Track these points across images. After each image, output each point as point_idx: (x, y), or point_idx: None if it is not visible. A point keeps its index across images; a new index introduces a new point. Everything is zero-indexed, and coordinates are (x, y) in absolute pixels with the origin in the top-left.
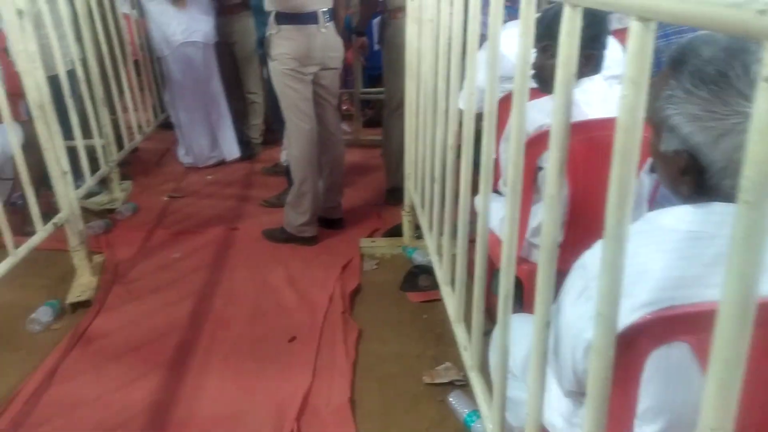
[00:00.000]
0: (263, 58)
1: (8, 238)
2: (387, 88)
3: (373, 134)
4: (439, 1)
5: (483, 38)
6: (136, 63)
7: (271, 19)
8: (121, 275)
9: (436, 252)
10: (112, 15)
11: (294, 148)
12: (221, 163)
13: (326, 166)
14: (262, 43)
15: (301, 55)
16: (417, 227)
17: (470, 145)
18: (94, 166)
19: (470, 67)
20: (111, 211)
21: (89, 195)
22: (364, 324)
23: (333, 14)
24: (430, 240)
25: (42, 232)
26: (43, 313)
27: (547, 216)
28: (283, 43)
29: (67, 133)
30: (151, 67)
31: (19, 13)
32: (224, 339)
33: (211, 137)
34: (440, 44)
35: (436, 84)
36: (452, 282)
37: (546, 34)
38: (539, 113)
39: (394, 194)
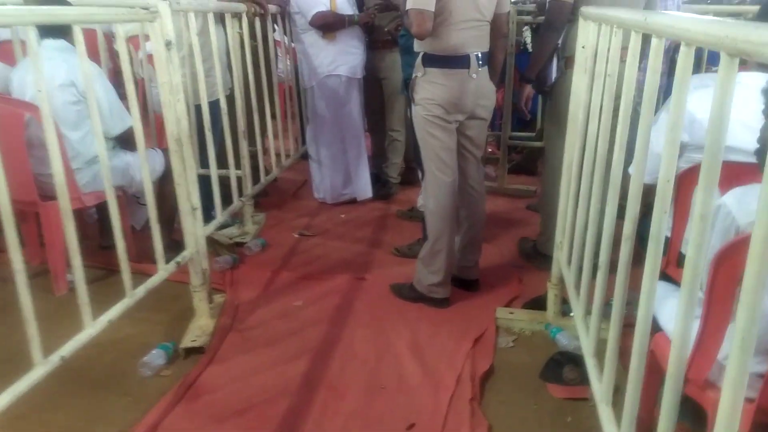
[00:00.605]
0: (408, 98)
1: (126, 278)
2: (550, 142)
3: (518, 183)
4: (614, 51)
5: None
6: (283, 92)
7: (419, 60)
8: (239, 320)
9: (592, 354)
10: (264, 46)
11: (431, 201)
12: (354, 202)
13: (465, 221)
14: (407, 85)
15: (448, 102)
16: (564, 300)
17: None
18: (229, 197)
19: (644, 129)
20: (240, 244)
21: (221, 226)
22: (494, 418)
23: (489, 58)
24: (582, 328)
25: (163, 271)
26: (156, 357)
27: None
28: (429, 87)
29: (204, 162)
30: (296, 97)
31: (168, 44)
32: (337, 411)
33: (345, 174)
34: (620, 102)
35: (608, 148)
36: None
37: None
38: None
39: (543, 258)
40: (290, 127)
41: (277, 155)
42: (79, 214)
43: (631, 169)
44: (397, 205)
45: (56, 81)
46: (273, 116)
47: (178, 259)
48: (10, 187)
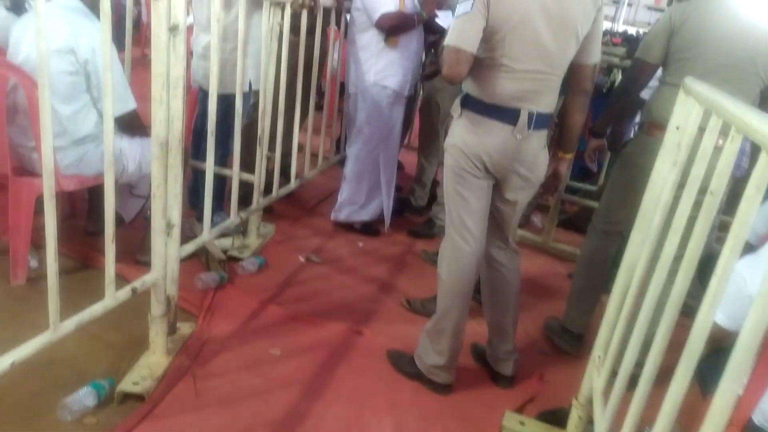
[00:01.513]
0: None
1: (109, 276)
2: (606, 208)
3: (567, 241)
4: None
5: None
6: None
7: (458, 99)
8: (199, 363)
9: None
10: (308, 43)
11: (444, 269)
12: (376, 232)
13: (489, 300)
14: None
15: (480, 156)
16: (590, 420)
17: None
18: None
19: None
20: (235, 259)
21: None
22: None
23: (562, 119)
24: None
25: (110, 299)
26: (84, 397)
27: None
28: (462, 134)
29: (222, 159)
30: (339, 100)
31: (173, 29)
32: None
33: (368, 194)
34: None
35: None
36: None
37: None
38: None
39: (570, 337)
40: (324, 127)
41: (313, 155)
42: (68, 194)
43: (718, 318)
44: (425, 243)
45: (53, 45)
46: (319, 108)
47: (136, 284)
48: None
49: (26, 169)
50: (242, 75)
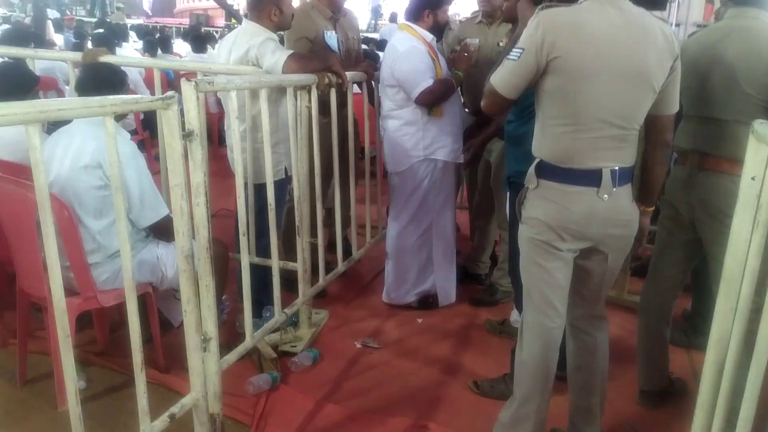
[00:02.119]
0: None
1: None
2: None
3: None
4: None
5: None
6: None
7: (532, 168)
8: None
9: None
10: (341, 122)
11: (524, 350)
12: (433, 305)
13: (575, 379)
14: (510, 183)
15: (565, 226)
16: None
17: None
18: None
19: None
20: (289, 354)
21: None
22: None
23: (643, 173)
24: None
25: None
26: None
27: None
28: (542, 204)
29: (263, 251)
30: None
31: (189, 136)
32: None
33: (420, 270)
34: None
35: None
36: None
37: None
38: None
39: (647, 398)
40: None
41: (359, 233)
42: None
43: None
44: (488, 312)
45: (82, 160)
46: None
47: (174, 409)
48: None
49: (66, 290)
50: (271, 164)
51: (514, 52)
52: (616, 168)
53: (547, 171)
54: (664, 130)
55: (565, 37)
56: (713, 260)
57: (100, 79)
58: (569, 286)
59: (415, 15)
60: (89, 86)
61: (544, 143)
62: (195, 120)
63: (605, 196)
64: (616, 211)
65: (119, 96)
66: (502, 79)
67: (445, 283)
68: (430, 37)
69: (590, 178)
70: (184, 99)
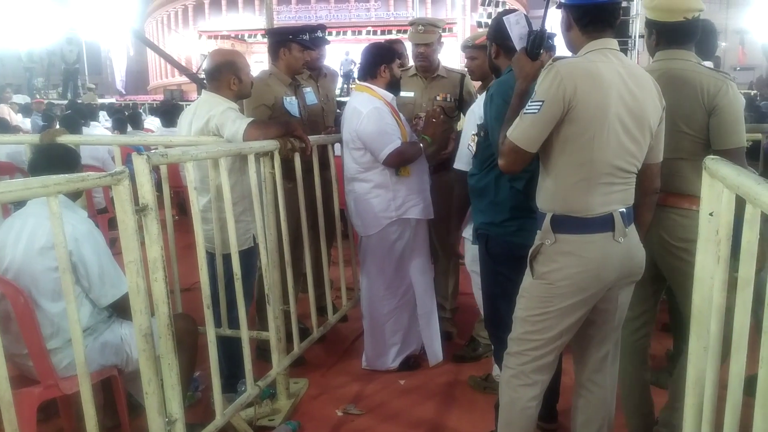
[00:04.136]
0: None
1: None
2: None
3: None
4: None
5: None
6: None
7: (546, 224)
8: None
9: None
10: (307, 184)
11: (502, 421)
12: (414, 365)
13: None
14: (479, 236)
15: (585, 278)
16: None
17: None
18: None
19: None
20: (267, 428)
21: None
22: None
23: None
24: None
25: None
26: None
27: None
28: (562, 260)
29: (235, 323)
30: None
31: (143, 210)
32: None
33: (404, 333)
34: None
35: None
36: None
37: None
38: None
39: None
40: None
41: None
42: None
43: None
44: (471, 367)
45: (36, 243)
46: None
47: None
48: None
49: (26, 378)
50: (235, 234)
51: (533, 105)
52: (624, 209)
53: (563, 224)
54: (654, 178)
55: (583, 86)
56: (679, 293)
57: (52, 159)
58: (574, 339)
59: (371, 73)
60: (41, 166)
61: (557, 195)
62: (149, 194)
63: (621, 238)
64: (632, 250)
65: (63, 175)
66: (524, 133)
67: (431, 342)
68: (390, 96)
69: (604, 223)
70: (136, 173)
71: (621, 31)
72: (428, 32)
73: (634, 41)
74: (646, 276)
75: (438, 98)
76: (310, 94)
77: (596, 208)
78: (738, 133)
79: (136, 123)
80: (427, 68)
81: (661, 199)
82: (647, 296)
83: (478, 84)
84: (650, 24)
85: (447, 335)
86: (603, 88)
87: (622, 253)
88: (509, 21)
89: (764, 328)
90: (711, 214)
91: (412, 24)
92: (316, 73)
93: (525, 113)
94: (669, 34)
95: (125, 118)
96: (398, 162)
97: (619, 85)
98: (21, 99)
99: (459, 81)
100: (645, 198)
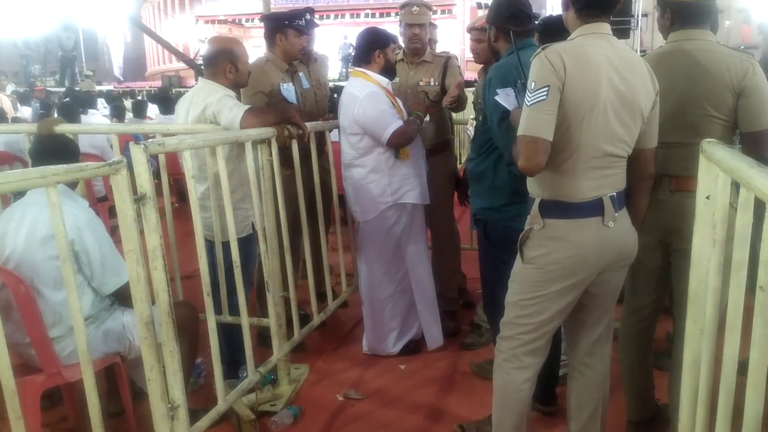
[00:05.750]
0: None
1: None
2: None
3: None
4: None
5: None
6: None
7: (535, 209)
8: None
9: None
10: (305, 171)
11: (497, 404)
12: (414, 350)
13: (578, 415)
14: (477, 221)
15: (575, 263)
16: None
17: None
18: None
19: None
20: (268, 414)
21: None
22: None
23: (628, 201)
24: None
25: None
26: None
27: None
28: (551, 245)
29: (235, 310)
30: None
31: (141, 199)
32: None
33: (403, 318)
34: None
35: None
36: None
37: None
38: None
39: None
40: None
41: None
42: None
43: None
44: (472, 352)
45: (37, 232)
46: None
47: None
48: None
49: (31, 367)
50: (233, 222)
51: (539, 93)
52: (614, 194)
53: (552, 209)
54: (647, 163)
55: (572, 69)
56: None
57: (52, 149)
58: (566, 323)
59: (365, 59)
60: (41, 156)
61: (546, 180)
62: (147, 183)
63: (611, 223)
64: (622, 235)
65: (61, 165)
66: (538, 122)
67: (430, 327)
68: (385, 81)
69: (593, 208)
70: (134, 162)
71: (623, 11)
72: (422, 13)
73: (637, 20)
74: (652, 266)
75: (421, 83)
76: (302, 79)
77: (585, 193)
78: (767, 114)
79: (140, 112)
80: (419, 51)
81: (685, 184)
82: (654, 287)
83: (478, 67)
84: (664, 2)
85: (447, 329)
86: (591, 72)
87: (612, 237)
88: (499, 99)
89: (756, 310)
90: (708, 198)
91: (405, 5)
92: (306, 57)
93: (531, 104)
94: (685, 13)
95: (122, 106)
96: (402, 141)
97: (608, 69)
98: (9, 90)
99: (443, 63)
100: (640, 183)
